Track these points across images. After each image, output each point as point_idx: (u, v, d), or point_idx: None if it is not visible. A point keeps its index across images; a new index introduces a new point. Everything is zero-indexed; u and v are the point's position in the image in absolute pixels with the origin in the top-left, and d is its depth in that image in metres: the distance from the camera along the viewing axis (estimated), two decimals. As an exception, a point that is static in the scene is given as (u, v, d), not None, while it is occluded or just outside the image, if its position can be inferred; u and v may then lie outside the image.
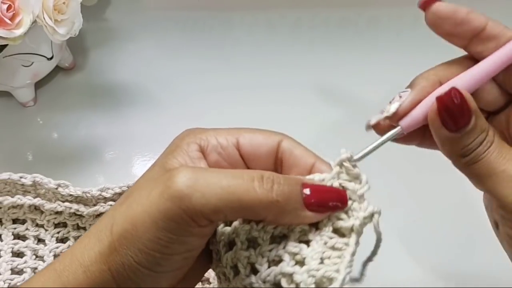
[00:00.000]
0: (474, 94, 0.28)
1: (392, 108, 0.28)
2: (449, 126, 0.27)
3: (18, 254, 0.42)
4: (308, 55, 0.59)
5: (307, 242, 0.27)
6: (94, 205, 0.41)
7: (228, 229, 0.27)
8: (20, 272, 0.41)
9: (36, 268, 0.41)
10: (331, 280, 0.25)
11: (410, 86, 0.29)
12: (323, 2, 0.64)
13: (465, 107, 0.27)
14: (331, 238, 0.27)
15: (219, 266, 0.28)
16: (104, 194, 0.40)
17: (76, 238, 0.42)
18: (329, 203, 0.26)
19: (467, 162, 0.28)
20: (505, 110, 0.30)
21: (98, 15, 0.63)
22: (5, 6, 0.43)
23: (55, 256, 0.41)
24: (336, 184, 0.27)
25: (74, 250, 0.26)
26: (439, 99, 0.27)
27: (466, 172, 0.28)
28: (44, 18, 0.44)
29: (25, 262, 0.41)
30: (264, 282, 0.26)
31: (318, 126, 0.54)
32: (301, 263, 0.26)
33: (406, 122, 0.28)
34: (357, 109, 0.54)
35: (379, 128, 0.29)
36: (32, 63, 0.51)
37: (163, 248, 0.24)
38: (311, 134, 0.52)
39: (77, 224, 0.42)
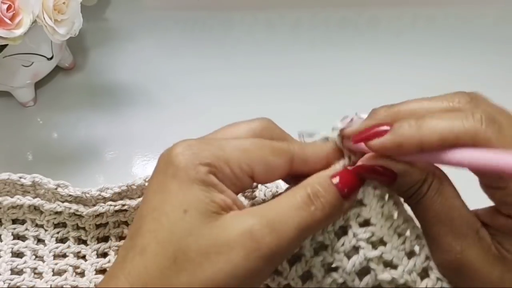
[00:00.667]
0: None
1: (339, 125, 0.29)
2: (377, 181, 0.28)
3: (18, 254, 0.42)
4: (308, 55, 0.59)
5: (368, 222, 0.28)
6: (94, 205, 0.41)
7: None
8: (20, 272, 0.41)
9: (35, 268, 0.41)
10: (421, 244, 0.28)
11: (369, 115, 0.29)
12: (323, 2, 0.64)
13: (386, 175, 0.27)
14: (382, 206, 0.28)
15: (277, 278, 0.30)
16: (103, 194, 0.40)
17: (75, 238, 0.42)
18: (357, 183, 0.28)
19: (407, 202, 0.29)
20: None
21: (98, 15, 0.63)
22: (5, 6, 0.42)
23: (55, 256, 0.41)
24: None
25: None
26: (356, 169, 0.28)
27: None
28: (44, 18, 0.44)
29: (24, 262, 0.41)
30: (349, 274, 0.28)
31: (318, 125, 0.53)
32: (379, 243, 0.28)
33: (346, 132, 0.28)
34: (357, 109, 0.54)
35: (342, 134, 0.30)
36: (32, 63, 0.51)
37: None
38: (311, 134, 0.52)
39: (77, 224, 0.42)
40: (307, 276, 0.29)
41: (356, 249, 0.28)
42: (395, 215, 0.29)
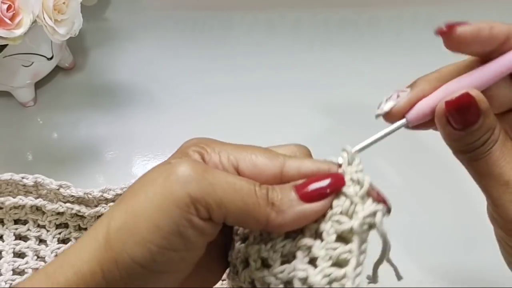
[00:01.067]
0: (486, 93, 0.28)
1: (386, 106, 0.28)
2: (455, 126, 0.27)
3: (20, 255, 0.42)
4: (308, 55, 0.59)
5: (314, 261, 0.26)
6: (96, 206, 0.41)
7: (243, 246, 0.27)
8: (21, 272, 0.41)
9: (37, 269, 0.41)
10: None
11: (411, 86, 0.29)
12: (323, 2, 0.64)
13: (474, 109, 0.27)
14: (335, 249, 0.25)
15: (236, 281, 0.28)
16: (105, 195, 0.40)
17: (77, 239, 0.42)
18: (322, 184, 0.25)
19: (469, 158, 0.28)
20: None
21: (98, 15, 0.63)
22: (5, 6, 0.42)
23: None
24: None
25: (67, 252, 0.26)
26: (448, 103, 0.27)
27: (466, 166, 0.28)
28: (44, 18, 0.44)
29: (26, 262, 0.41)
30: None
31: (318, 126, 0.54)
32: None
33: (412, 115, 0.28)
34: (357, 109, 0.54)
35: (390, 116, 0.28)
36: (32, 63, 0.51)
37: (161, 240, 0.24)
38: (311, 134, 0.52)
39: (79, 225, 0.42)
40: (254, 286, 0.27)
41: (291, 283, 0.26)
42: (345, 265, 0.25)
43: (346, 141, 0.31)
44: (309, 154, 0.29)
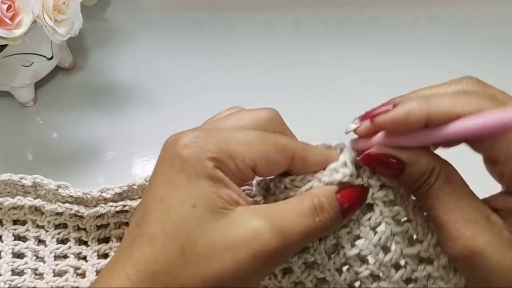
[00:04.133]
0: None
1: (351, 127, 0.29)
2: (385, 175, 0.29)
3: (19, 255, 0.42)
4: (308, 55, 0.59)
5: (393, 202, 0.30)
6: (95, 206, 0.40)
7: None
8: (20, 273, 0.41)
9: (36, 269, 0.41)
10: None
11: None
12: (323, 2, 0.64)
13: (391, 163, 0.27)
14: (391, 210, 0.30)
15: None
16: (104, 195, 0.40)
17: (76, 239, 0.42)
18: (357, 204, 0.29)
19: (416, 197, 0.29)
20: None
21: (98, 15, 0.63)
22: (5, 6, 0.42)
23: (56, 257, 0.41)
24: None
25: None
26: (362, 160, 0.28)
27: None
28: (44, 18, 0.44)
29: (25, 263, 0.41)
30: (374, 246, 0.30)
31: (318, 126, 0.53)
32: (406, 221, 0.30)
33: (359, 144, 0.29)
34: (357, 108, 0.54)
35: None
36: (32, 63, 0.51)
37: None
38: (310, 133, 0.52)
39: (78, 225, 0.41)
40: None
41: (381, 224, 0.30)
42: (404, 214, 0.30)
43: (344, 141, 0.31)
44: (279, 120, 0.30)
